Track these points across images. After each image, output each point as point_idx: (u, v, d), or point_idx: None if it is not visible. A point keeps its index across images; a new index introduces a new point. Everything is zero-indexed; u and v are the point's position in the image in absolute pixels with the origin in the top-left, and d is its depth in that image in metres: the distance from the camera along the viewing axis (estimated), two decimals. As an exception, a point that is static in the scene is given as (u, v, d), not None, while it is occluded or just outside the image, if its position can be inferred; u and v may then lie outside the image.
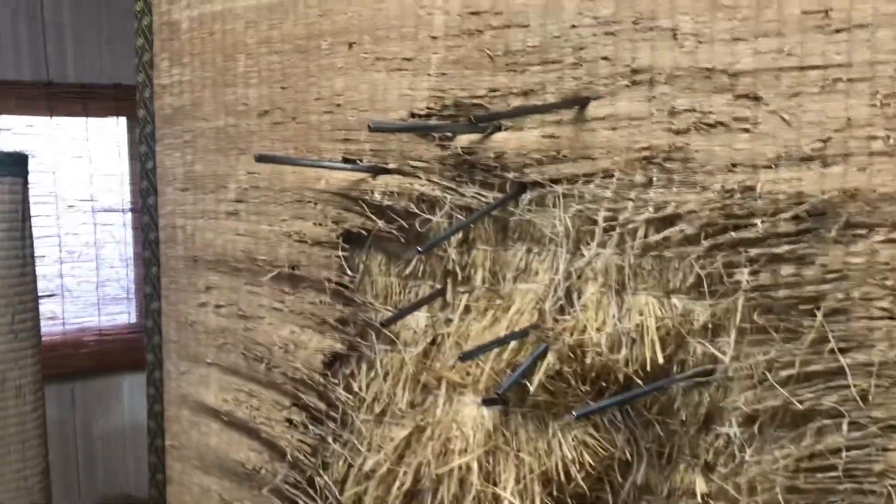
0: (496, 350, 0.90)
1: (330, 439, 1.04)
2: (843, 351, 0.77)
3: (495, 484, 0.89)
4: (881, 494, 0.77)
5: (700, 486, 0.86)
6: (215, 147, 1.15)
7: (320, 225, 1.04)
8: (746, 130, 0.81)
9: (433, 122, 0.96)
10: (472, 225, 0.93)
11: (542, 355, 0.87)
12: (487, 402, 0.89)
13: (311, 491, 1.06)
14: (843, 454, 0.77)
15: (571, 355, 0.86)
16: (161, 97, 1.20)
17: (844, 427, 0.77)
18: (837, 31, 0.77)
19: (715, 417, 0.85)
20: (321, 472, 1.04)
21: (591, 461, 0.86)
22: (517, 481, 0.87)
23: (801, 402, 0.78)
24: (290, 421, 1.08)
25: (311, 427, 1.06)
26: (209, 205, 1.16)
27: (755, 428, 0.82)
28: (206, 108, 1.15)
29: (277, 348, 1.09)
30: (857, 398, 0.76)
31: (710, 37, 0.82)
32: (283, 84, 1.07)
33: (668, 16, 0.83)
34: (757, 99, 0.80)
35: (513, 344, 0.89)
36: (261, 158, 0.93)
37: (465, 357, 0.84)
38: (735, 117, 0.81)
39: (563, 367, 0.86)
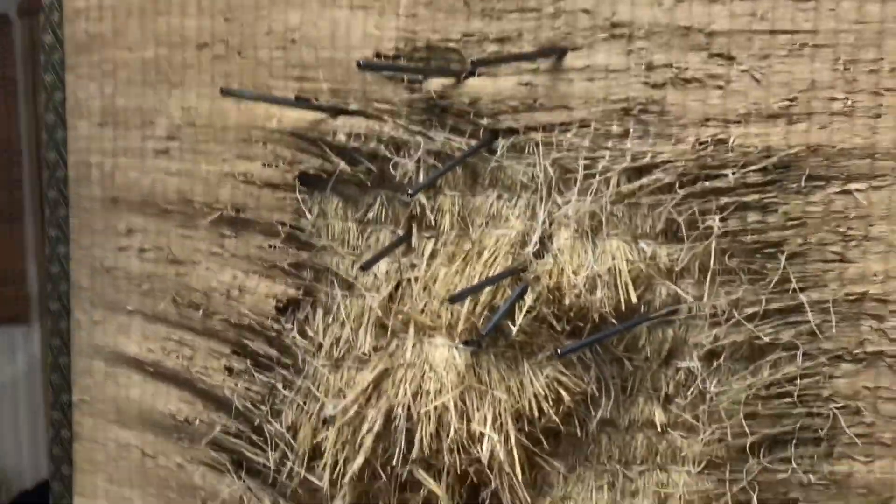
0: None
1: (280, 386, 1.01)
2: (801, 290, 0.86)
3: (469, 422, 0.91)
4: (827, 416, 0.87)
5: (659, 416, 0.93)
6: (142, 79, 1.06)
7: (271, 166, 1.00)
8: (720, 87, 0.87)
9: (402, 63, 0.94)
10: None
11: (522, 296, 0.90)
12: (469, 343, 0.91)
13: (256, 439, 1.03)
14: (798, 382, 0.87)
15: (551, 297, 0.90)
16: (74, 22, 1.09)
17: (799, 358, 0.87)
18: (806, -1, 0.84)
19: (677, 353, 0.92)
20: (271, 419, 1.01)
21: (567, 396, 0.90)
22: (494, 419, 0.90)
23: (764, 336, 0.87)
24: (229, 369, 1.04)
25: (257, 375, 1.02)
26: (133, 142, 1.08)
27: (716, 362, 0.90)
28: (130, 37, 1.06)
29: (218, 294, 1.04)
30: (816, 331, 0.85)
31: (690, -4, 0.87)
32: (227, 15, 1.01)
33: (650, -27, 0.88)
34: (730, 58, 0.86)
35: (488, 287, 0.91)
36: (226, 93, 0.88)
37: (454, 299, 0.85)
38: (709, 74, 0.87)
39: (542, 308, 0.90)
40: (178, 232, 1.06)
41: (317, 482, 0.98)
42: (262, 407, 1.02)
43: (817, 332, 0.86)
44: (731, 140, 0.86)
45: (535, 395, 0.91)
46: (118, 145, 1.09)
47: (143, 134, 1.07)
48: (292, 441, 1.00)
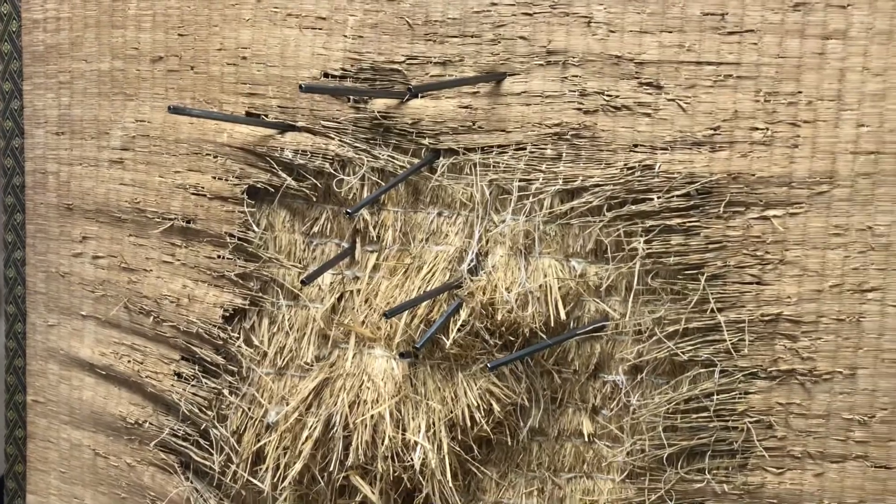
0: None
1: (226, 392, 1.05)
2: (719, 310, 0.90)
3: (405, 430, 0.95)
4: (741, 430, 0.91)
5: (587, 426, 0.97)
6: (97, 91, 1.09)
7: (221, 179, 1.03)
8: (648, 115, 0.91)
9: (349, 84, 0.98)
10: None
11: (456, 311, 0.94)
12: (404, 355, 0.95)
13: (203, 443, 1.07)
14: (714, 398, 0.91)
15: (483, 312, 0.93)
16: (31, 32, 1.11)
17: (716, 375, 0.91)
18: (731, 33, 0.88)
19: (603, 367, 0.96)
20: (217, 424, 1.05)
21: (497, 407, 0.94)
22: (428, 427, 0.94)
23: (683, 353, 0.91)
24: (178, 375, 1.07)
25: (204, 381, 1.06)
26: (89, 151, 1.10)
27: (639, 376, 0.94)
28: (87, 48, 1.09)
29: (168, 302, 1.07)
30: (732, 350, 0.90)
31: (621, 27, 0.91)
32: (181, 31, 1.04)
33: (584, 4, 0.91)
34: (659, 87, 0.90)
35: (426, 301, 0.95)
36: (174, 110, 0.91)
37: (390, 314, 0.89)
38: (638, 102, 0.91)
39: (475, 323, 0.94)
40: (130, 240, 1.09)
41: (259, 485, 1.02)
42: (209, 412, 1.05)
43: (733, 350, 0.90)
44: (657, 166, 0.90)
45: (469, 406, 0.95)
46: (74, 154, 1.11)
47: (98, 144, 1.10)
48: (236, 445, 1.04)
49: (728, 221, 0.90)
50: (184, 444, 1.08)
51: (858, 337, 0.89)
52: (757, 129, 0.89)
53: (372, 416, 0.94)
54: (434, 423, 0.95)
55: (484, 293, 0.93)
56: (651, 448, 0.93)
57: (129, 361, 1.11)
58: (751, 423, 0.91)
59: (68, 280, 1.14)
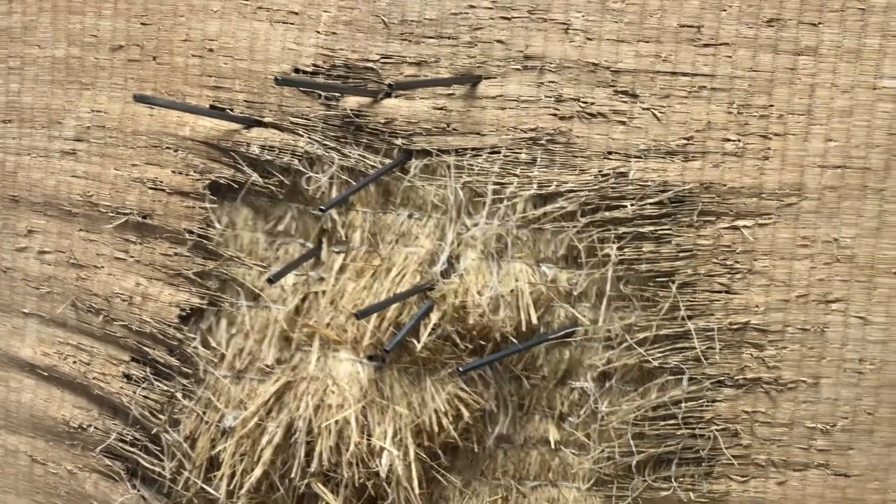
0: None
1: (180, 395, 1.01)
2: (689, 318, 0.91)
3: (370, 436, 0.93)
4: (708, 438, 0.92)
5: (553, 434, 0.96)
6: (50, 78, 1.04)
7: (182, 173, 0.99)
8: (623, 123, 0.91)
9: (321, 80, 0.96)
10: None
11: (427, 314, 0.92)
12: (373, 358, 0.93)
13: (153, 448, 1.02)
14: (683, 405, 0.92)
15: (455, 315, 0.92)
16: (-19, 14, 1.06)
17: (685, 382, 0.92)
18: (706, 45, 0.90)
19: (572, 374, 0.96)
20: (168, 429, 1.00)
21: (466, 413, 0.93)
22: (395, 433, 0.92)
23: (653, 360, 0.91)
24: (128, 377, 1.03)
25: (156, 383, 1.01)
26: (38, 141, 1.05)
27: (608, 383, 0.94)
28: (40, 34, 1.04)
29: (119, 300, 1.02)
30: (701, 357, 0.90)
31: (599, 35, 0.91)
32: (144, 20, 1.00)
33: (563, 11, 0.92)
34: (634, 96, 0.91)
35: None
36: (139, 99, 0.87)
37: (362, 314, 0.86)
38: (614, 110, 0.91)
39: (446, 327, 0.92)
40: (81, 235, 1.04)
41: (213, 493, 0.98)
42: (161, 416, 1.01)
43: (702, 358, 0.91)
44: (631, 173, 0.91)
45: (436, 411, 0.93)
46: (22, 144, 1.06)
47: (49, 134, 1.05)
48: (189, 451, 1.00)
49: (699, 230, 0.91)
50: (132, 449, 1.03)
51: (822, 347, 0.90)
52: (729, 140, 0.90)
53: (337, 422, 0.92)
54: (400, 429, 0.93)
55: (456, 296, 0.92)
56: (619, 455, 0.93)
57: (74, 362, 1.05)
58: (717, 430, 0.92)
59: (10, 276, 1.08)
